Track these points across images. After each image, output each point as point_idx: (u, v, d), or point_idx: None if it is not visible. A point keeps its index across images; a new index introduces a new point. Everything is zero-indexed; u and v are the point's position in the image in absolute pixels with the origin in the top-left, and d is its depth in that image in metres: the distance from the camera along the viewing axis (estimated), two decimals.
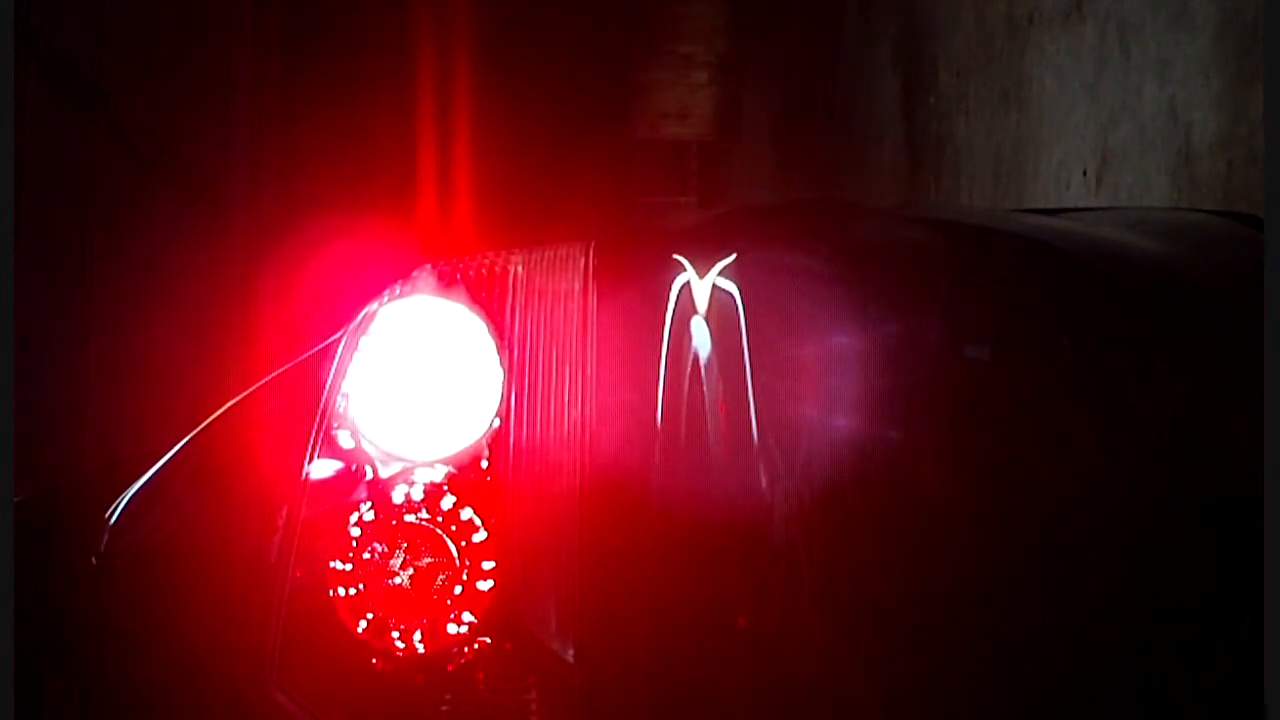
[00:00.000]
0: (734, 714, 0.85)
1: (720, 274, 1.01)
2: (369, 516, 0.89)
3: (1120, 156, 2.45)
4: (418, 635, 0.87)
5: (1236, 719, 0.85)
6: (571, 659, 0.86)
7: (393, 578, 0.88)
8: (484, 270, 1.00)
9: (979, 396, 0.96)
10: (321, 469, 0.92)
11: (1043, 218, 1.48)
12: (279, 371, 1.05)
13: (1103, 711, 0.85)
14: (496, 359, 0.94)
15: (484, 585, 0.88)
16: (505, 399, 0.92)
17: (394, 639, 0.87)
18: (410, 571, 0.88)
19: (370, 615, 0.87)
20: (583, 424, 0.91)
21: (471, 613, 0.87)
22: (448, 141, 7.29)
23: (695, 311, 0.98)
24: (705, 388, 0.93)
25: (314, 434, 0.93)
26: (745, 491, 0.88)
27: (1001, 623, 0.88)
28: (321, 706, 0.87)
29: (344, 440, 0.93)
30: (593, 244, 1.04)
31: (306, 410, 0.95)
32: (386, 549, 0.88)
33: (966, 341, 1.00)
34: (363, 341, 0.95)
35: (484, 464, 0.91)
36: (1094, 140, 2.58)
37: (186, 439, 1.05)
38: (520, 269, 1.00)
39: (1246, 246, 1.24)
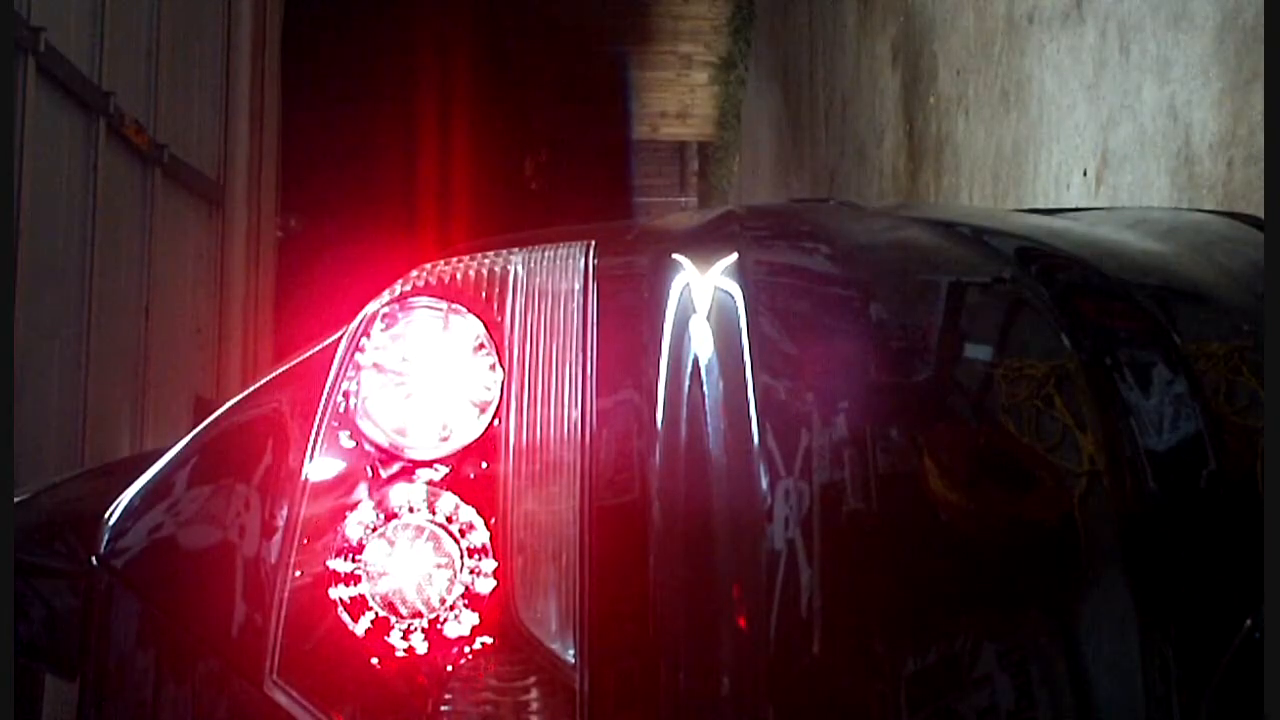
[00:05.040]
0: (734, 714, 0.84)
1: (720, 274, 1.01)
2: (369, 516, 0.89)
3: (1120, 156, 2.45)
4: (418, 635, 0.87)
5: (1236, 719, 0.85)
6: (571, 659, 0.86)
7: (393, 578, 0.88)
8: (484, 270, 1.00)
9: (979, 396, 0.96)
10: (321, 469, 0.92)
11: (1043, 218, 1.48)
12: (279, 371, 1.05)
13: (1103, 711, 0.85)
14: (496, 359, 0.94)
15: (484, 585, 0.88)
16: (505, 399, 0.92)
17: (394, 639, 0.87)
18: (410, 571, 0.88)
19: (370, 615, 0.87)
20: (583, 424, 0.91)
21: (471, 613, 0.87)
22: (448, 141, 7.30)
23: (695, 311, 0.98)
24: (705, 388, 0.93)
25: (314, 434, 0.93)
26: (745, 492, 0.88)
27: (1001, 622, 0.88)
28: (321, 706, 0.87)
29: (344, 440, 0.93)
30: (593, 244, 1.04)
31: (307, 410, 0.95)
32: (386, 549, 0.88)
33: (966, 341, 1.00)
34: (363, 342, 0.95)
35: (484, 464, 0.91)
36: (1094, 140, 2.58)
37: (187, 439, 1.05)
38: (520, 269, 1.00)
39: (1246, 246, 1.24)
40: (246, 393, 1.05)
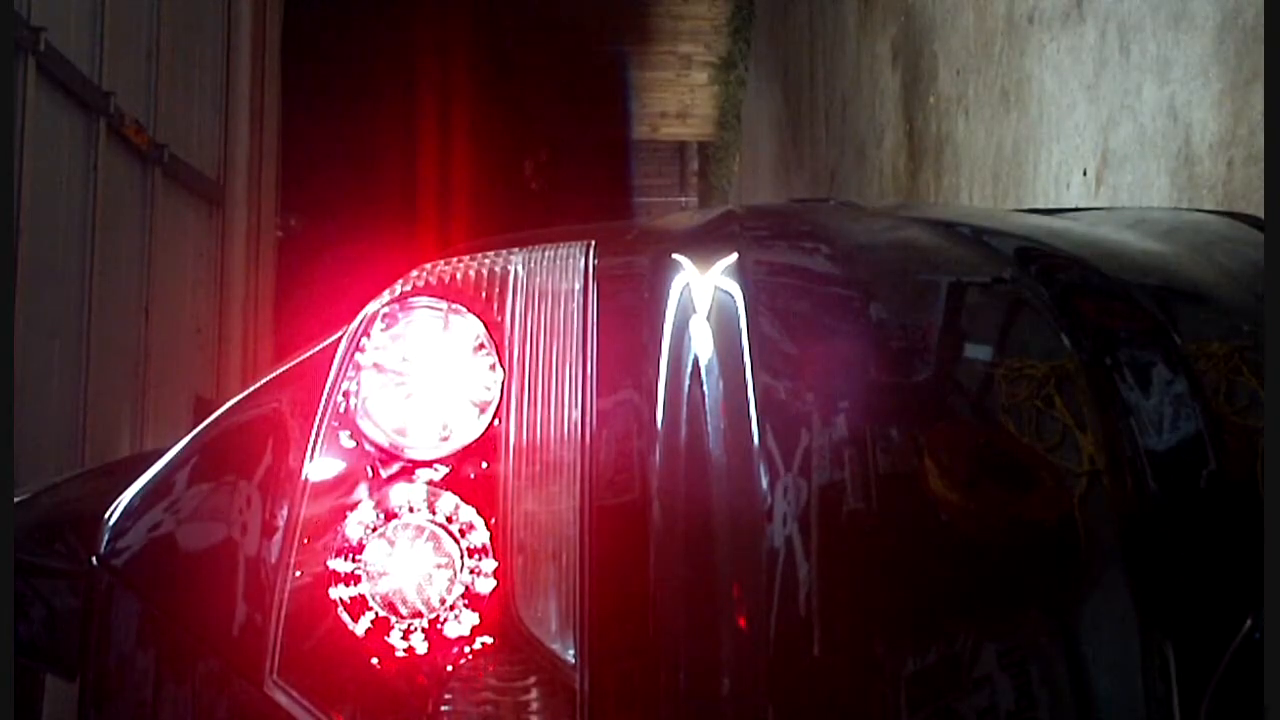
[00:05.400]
0: (734, 714, 0.85)
1: (720, 274, 1.01)
2: (369, 516, 0.89)
3: (1120, 156, 2.45)
4: (418, 635, 0.87)
5: (1236, 719, 0.85)
6: (571, 659, 0.86)
7: (393, 578, 0.88)
8: (484, 270, 1.00)
9: (979, 396, 0.96)
10: (321, 469, 0.92)
11: (1043, 218, 1.48)
12: (279, 371, 1.05)
13: (1103, 711, 0.85)
14: (496, 359, 0.94)
15: (484, 585, 0.88)
16: (505, 399, 0.92)
17: (394, 639, 0.87)
18: (410, 571, 0.88)
19: (370, 615, 0.87)
20: (583, 424, 0.91)
21: (471, 613, 0.87)
22: (448, 141, 7.29)
23: (695, 311, 0.98)
24: (705, 388, 0.93)
25: (314, 434, 0.93)
26: (745, 491, 0.88)
27: (1001, 622, 0.88)
28: (321, 706, 0.87)
29: (344, 440, 0.93)
30: (593, 244, 1.04)
31: (307, 410, 0.95)
32: (387, 549, 0.88)
33: (966, 341, 1.00)
34: (363, 342, 0.95)
35: (484, 464, 0.91)
36: (1094, 140, 2.58)
37: (187, 439, 1.05)
38: (520, 269, 1.00)
39: (1246, 246, 1.24)
40: (246, 393, 1.05)
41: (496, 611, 0.88)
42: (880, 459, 0.90)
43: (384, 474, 0.91)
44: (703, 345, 0.95)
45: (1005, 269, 1.07)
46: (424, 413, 0.92)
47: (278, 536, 0.91)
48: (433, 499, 0.89)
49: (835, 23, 5.53)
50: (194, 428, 1.05)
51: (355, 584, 0.87)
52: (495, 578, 0.88)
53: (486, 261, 1.01)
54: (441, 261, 1.03)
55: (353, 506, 0.90)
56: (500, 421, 0.92)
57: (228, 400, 1.05)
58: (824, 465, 0.89)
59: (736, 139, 10.37)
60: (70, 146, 3.81)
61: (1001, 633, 0.87)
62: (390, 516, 0.89)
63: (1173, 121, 2.21)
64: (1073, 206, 2.49)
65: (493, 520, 0.89)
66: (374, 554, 0.88)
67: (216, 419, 1.04)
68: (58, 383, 3.70)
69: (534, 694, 0.87)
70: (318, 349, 1.01)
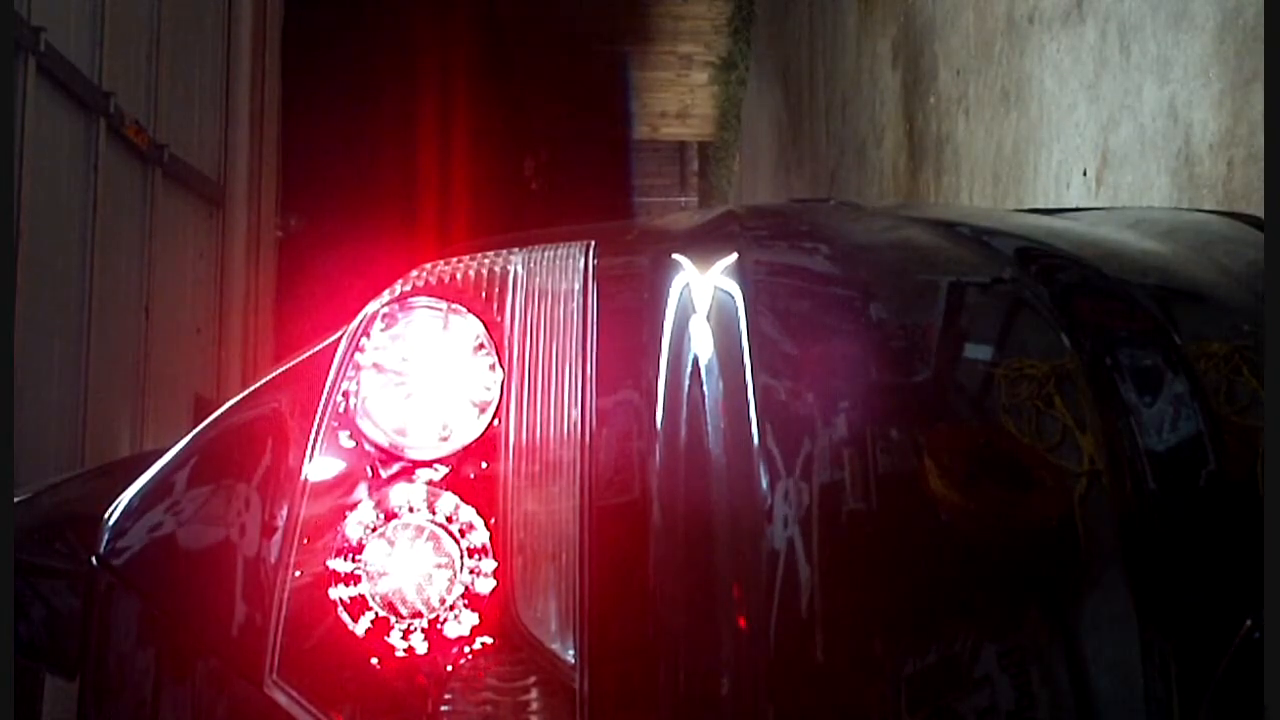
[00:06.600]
0: (734, 714, 0.85)
1: (720, 274, 1.01)
2: (369, 516, 0.89)
3: (1120, 156, 2.45)
4: (418, 635, 0.87)
5: (1236, 719, 0.85)
6: (571, 659, 0.86)
7: (393, 578, 0.88)
8: (484, 270, 1.00)
9: (979, 396, 0.96)
10: (321, 469, 0.92)
11: (1043, 218, 1.48)
12: (279, 371, 1.05)
13: (1103, 711, 0.85)
14: (496, 359, 0.94)
15: (484, 585, 0.88)
16: (505, 399, 0.92)
17: (394, 639, 0.87)
18: (410, 571, 0.88)
19: (370, 615, 0.87)
20: (583, 424, 0.91)
21: (471, 613, 0.87)
22: (448, 141, 7.29)
23: (695, 311, 0.98)
24: (705, 388, 0.93)
25: (314, 434, 0.93)
26: (745, 491, 0.88)
27: (1001, 622, 0.88)
28: (321, 706, 0.87)
29: (344, 440, 0.93)
30: (593, 244, 1.04)
31: (307, 410, 0.95)
32: (387, 549, 0.88)
33: (966, 341, 1.00)
34: (363, 342, 0.95)
35: (484, 464, 0.91)
36: (1094, 140, 2.58)
37: (187, 439, 1.05)
38: (520, 269, 1.00)
39: (1246, 246, 1.24)
40: (246, 393, 1.05)
41: (496, 611, 0.88)
42: (880, 459, 0.90)
43: (384, 474, 0.91)
44: (703, 345, 0.95)
45: (1005, 269, 1.07)
46: (424, 413, 0.92)
47: (277, 536, 0.91)
48: (433, 499, 0.89)
49: (835, 23, 5.53)
50: (194, 428, 1.05)
51: (355, 584, 0.87)
52: (495, 578, 0.88)
53: (486, 261, 1.01)
54: (441, 261, 1.03)
55: (352, 506, 0.90)
56: (500, 421, 0.92)
57: (228, 400, 1.05)
58: (824, 465, 0.89)
59: (736, 139, 10.37)
60: (70, 146, 3.81)
61: (1001, 633, 0.87)
62: (390, 516, 0.89)
63: (1173, 121, 2.21)
64: (1073, 206, 2.49)
65: (493, 520, 0.89)
66: (374, 554, 0.88)
67: (216, 419, 1.04)
68: (58, 383, 3.70)
69: (534, 694, 0.87)
70: (318, 349, 1.01)
